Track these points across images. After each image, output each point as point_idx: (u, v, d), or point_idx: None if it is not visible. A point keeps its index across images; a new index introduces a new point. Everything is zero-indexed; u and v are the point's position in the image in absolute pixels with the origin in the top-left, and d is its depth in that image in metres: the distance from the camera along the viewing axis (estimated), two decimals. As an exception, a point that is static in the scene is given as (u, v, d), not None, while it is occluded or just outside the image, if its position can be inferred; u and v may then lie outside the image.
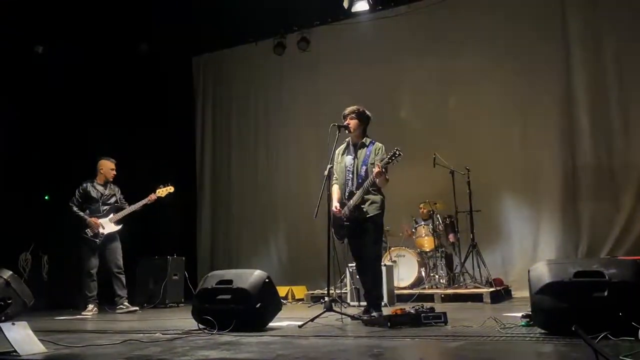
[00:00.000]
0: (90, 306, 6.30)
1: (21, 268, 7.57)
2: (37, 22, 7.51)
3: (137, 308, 6.46)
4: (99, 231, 6.37)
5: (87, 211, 6.45)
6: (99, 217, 6.41)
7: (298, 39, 8.96)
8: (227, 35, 9.26)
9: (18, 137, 7.64)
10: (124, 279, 6.48)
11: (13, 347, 2.86)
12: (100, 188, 6.54)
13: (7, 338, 2.90)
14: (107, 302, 6.53)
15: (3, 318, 4.81)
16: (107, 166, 6.60)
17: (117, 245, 6.50)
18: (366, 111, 4.82)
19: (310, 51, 8.99)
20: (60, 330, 4.31)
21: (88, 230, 6.36)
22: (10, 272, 5.15)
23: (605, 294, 3.01)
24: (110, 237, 6.46)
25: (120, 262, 6.49)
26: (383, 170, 4.43)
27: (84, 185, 6.54)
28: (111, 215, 6.47)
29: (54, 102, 8.15)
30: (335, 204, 4.66)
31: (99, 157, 6.68)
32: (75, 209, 6.43)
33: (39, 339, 3.06)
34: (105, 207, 6.50)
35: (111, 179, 6.63)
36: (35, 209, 7.92)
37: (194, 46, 9.63)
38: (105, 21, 7.90)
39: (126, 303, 6.42)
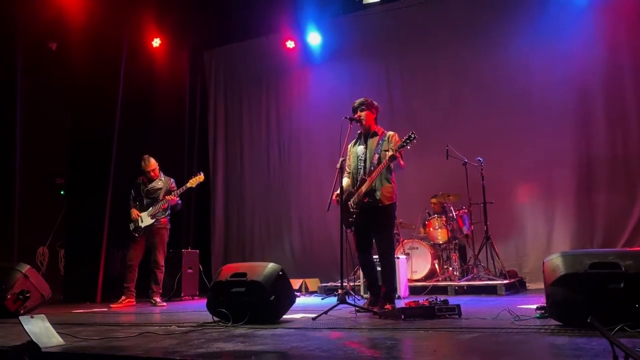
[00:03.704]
0: (123, 297, 6.44)
1: (39, 262, 7.69)
2: (51, 18, 7.57)
3: (165, 305, 6.43)
4: (137, 224, 6.54)
5: (137, 205, 6.67)
6: (141, 211, 6.60)
7: (309, 31, 8.94)
8: (238, 29, 9.26)
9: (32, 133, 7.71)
10: (158, 274, 6.56)
11: (32, 340, 2.91)
12: (146, 182, 6.73)
13: (26, 330, 2.96)
14: (141, 295, 6.64)
15: (22, 311, 4.91)
16: (142, 166, 6.74)
17: (160, 241, 6.58)
18: (374, 101, 4.83)
19: (322, 44, 8.97)
20: (77, 323, 4.37)
21: (130, 225, 6.59)
22: (29, 266, 5.25)
23: (622, 285, 2.98)
24: (152, 231, 6.57)
25: (159, 257, 6.56)
26: (397, 154, 4.40)
27: (137, 180, 6.81)
28: (150, 209, 6.59)
29: (68, 97, 8.24)
30: (336, 193, 4.65)
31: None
32: (130, 203, 6.71)
33: (57, 332, 3.11)
34: (148, 200, 6.65)
35: (152, 175, 6.69)
36: (52, 204, 8.02)
37: (206, 40, 9.64)
38: (118, 16, 7.94)
39: (156, 298, 6.47)
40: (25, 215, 7.33)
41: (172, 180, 6.81)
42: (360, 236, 4.70)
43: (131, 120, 8.35)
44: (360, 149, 4.74)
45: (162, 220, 6.60)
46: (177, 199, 6.66)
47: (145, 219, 6.55)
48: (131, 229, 6.57)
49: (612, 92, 7.15)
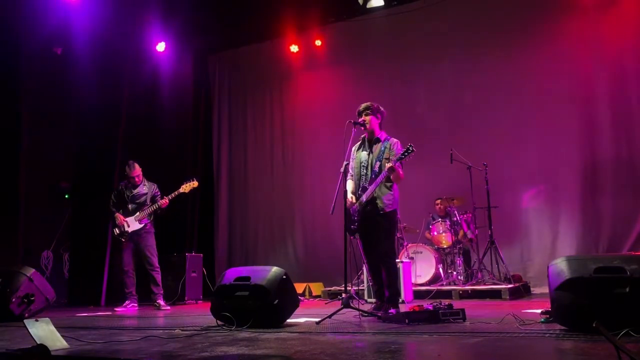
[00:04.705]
0: (127, 302, 6.51)
1: (43, 266, 7.70)
2: (56, 23, 7.61)
3: (168, 308, 6.50)
4: (123, 229, 6.55)
5: (121, 210, 6.67)
6: (126, 216, 6.61)
7: (313, 36, 8.96)
8: (243, 33, 9.29)
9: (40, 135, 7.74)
10: (157, 276, 6.61)
11: (37, 343, 2.91)
12: (130, 188, 6.73)
13: (31, 334, 2.97)
14: (145, 299, 6.66)
15: (27, 314, 4.92)
16: (126, 171, 6.77)
17: (148, 244, 6.65)
18: (380, 107, 4.81)
19: (326, 48, 8.99)
20: (81, 326, 4.38)
21: (115, 229, 6.62)
22: (33, 270, 5.26)
23: (627, 290, 2.97)
24: (140, 235, 6.60)
25: (152, 259, 6.63)
26: (396, 165, 4.41)
27: (119, 186, 6.85)
28: (137, 214, 6.61)
29: (73, 100, 8.27)
30: (350, 195, 4.66)
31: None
32: (112, 208, 6.73)
33: (61, 335, 3.12)
34: (134, 206, 6.67)
35: (136, 181, 6.72)
36: (56, 208, 8.04)
37: (211, 44, 9.68)
38: (123, 20, 7.98)
39: (159, 301, 6.53)
40: (29, 219, 7.36)
41: (155, 185, 6.85)
42: (366, 242, 4.73)
43: (135, 123, 8.38)
44: (363, 154, 4.75)
45: (147, 224, 6.64)
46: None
47: (132, 224, 6.58)
48: (116, 233, 6.61)
49: (617, 96, 7.12)
